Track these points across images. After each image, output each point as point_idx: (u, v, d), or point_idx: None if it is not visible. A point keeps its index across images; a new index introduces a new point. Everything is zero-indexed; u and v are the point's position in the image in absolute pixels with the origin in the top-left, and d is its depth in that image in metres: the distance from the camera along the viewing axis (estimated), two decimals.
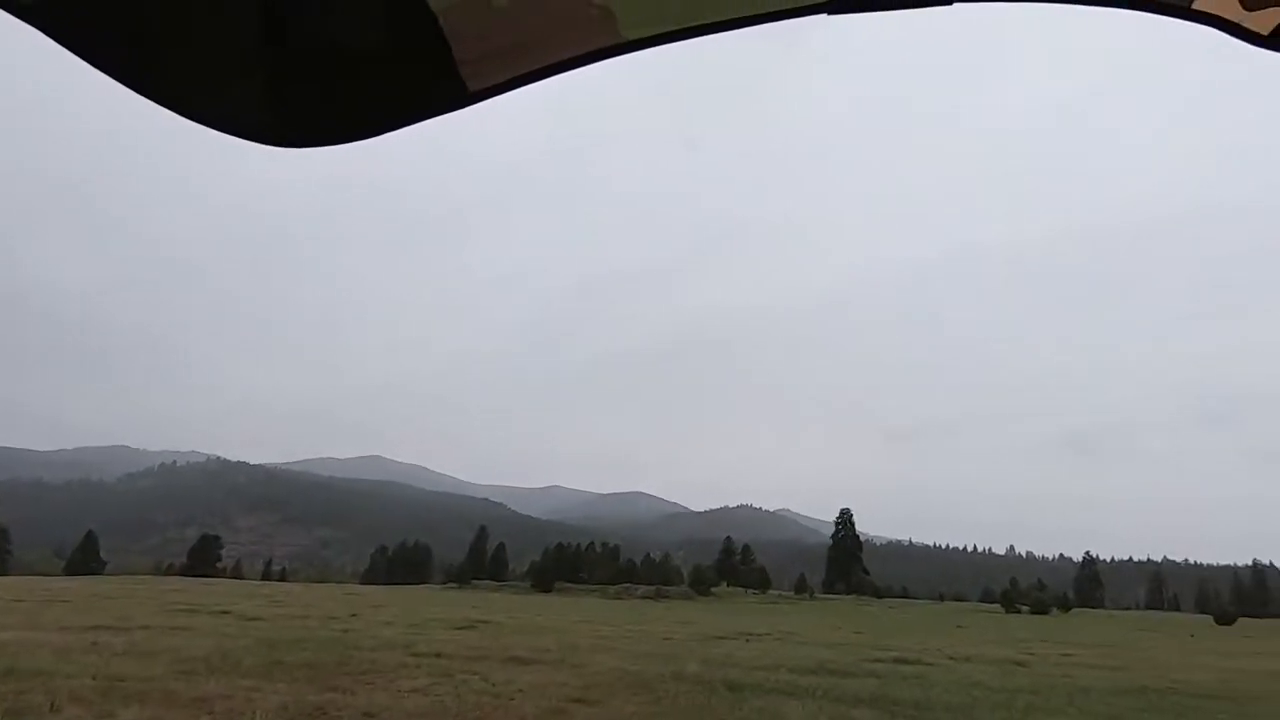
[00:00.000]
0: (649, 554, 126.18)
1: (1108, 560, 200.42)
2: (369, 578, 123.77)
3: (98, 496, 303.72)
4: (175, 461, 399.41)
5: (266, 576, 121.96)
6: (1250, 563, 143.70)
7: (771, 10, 1.04)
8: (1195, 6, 1.03)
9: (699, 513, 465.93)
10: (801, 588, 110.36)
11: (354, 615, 28.03)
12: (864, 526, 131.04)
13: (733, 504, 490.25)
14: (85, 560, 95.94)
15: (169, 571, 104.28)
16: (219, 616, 24.25)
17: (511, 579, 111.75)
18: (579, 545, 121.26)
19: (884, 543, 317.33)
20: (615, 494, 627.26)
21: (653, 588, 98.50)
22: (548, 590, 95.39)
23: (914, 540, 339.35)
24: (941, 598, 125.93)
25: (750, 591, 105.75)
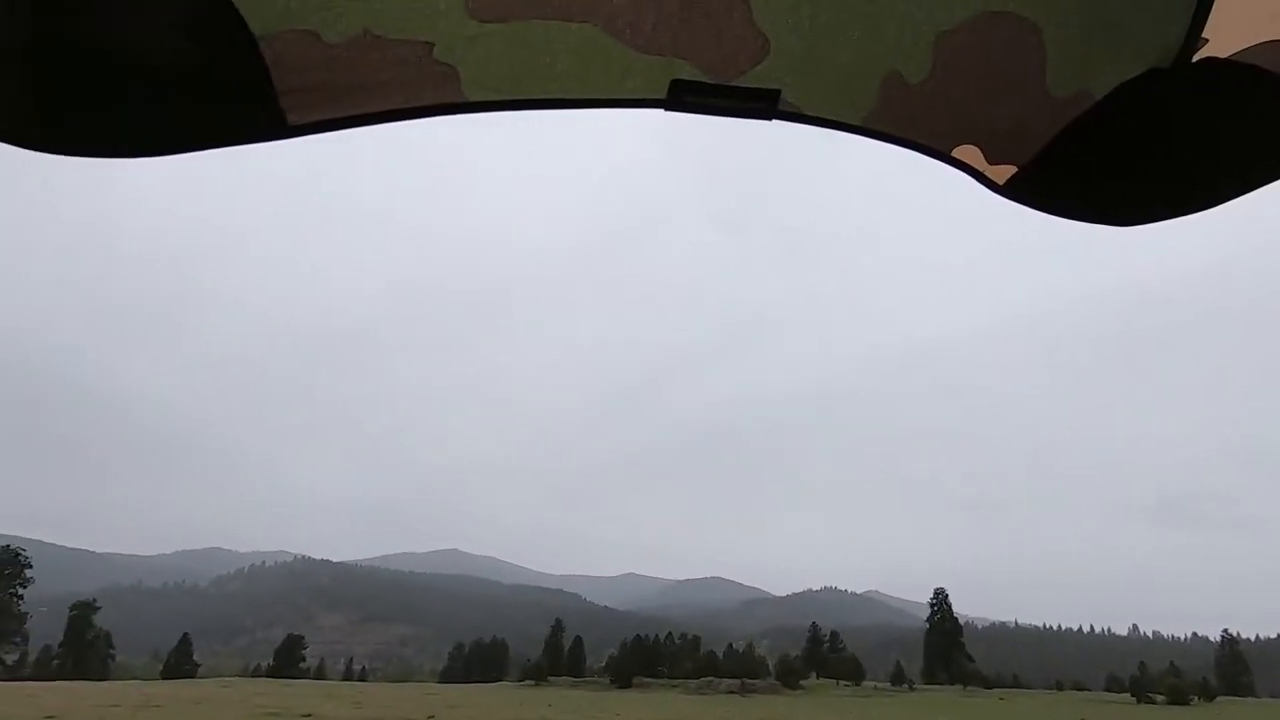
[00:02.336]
0: (731, 644, 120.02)
1: (1251, 639, 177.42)
2: (448, 676, 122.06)
3: (192, 599, 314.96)
4: (264, 562, 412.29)
5: (348, 676, 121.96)
6: None
7: (611, 98, 1.09)
8: (953, 154, 1.21)
9: (780, 597, 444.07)
10: (899, 678, 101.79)
11: (431, 717, 27.43)
12: (961, 607, 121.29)
13: (816, 587, 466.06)
14: (180, 663, 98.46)
15: (256, 673, 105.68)
16: None
17: (589, 674, 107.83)
18: (657, 636, 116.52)
19: (986, 625, 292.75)
20: (691, 580, 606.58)
21: (737, 681, 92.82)
22: (626, 686, 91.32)
23: (1020, 621, 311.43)
24: (1060, 686, 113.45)
25: (842, 683, 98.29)
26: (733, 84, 1.07)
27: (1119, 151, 1.15)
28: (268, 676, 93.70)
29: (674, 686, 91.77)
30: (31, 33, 0.87)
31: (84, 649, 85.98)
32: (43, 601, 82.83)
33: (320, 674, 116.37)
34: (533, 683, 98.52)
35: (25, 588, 76.79)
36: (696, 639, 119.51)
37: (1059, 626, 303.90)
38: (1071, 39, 1.03)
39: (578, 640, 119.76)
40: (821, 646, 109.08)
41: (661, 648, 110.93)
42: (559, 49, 1.02)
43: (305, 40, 0.94)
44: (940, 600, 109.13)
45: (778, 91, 1.09)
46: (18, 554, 76.76)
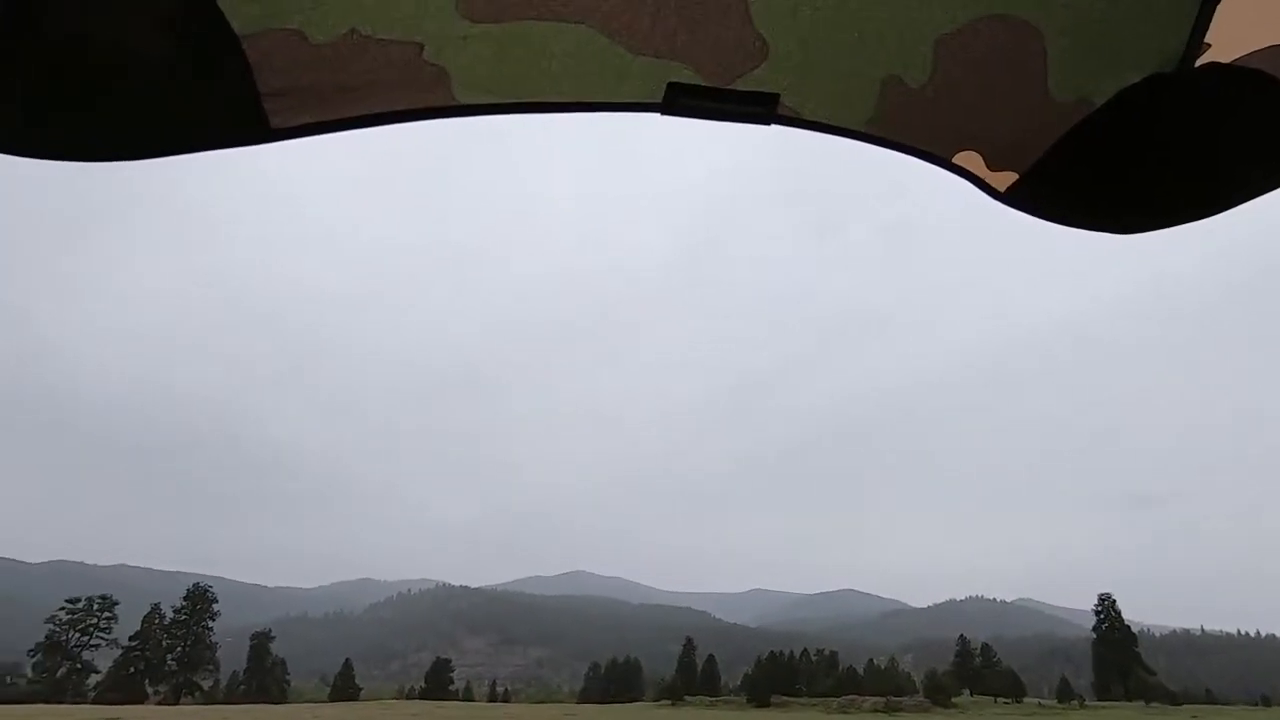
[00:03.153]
0: (871, 659, 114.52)
1: None
2: (585, 696, 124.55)
3: (349, 627, 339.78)
4: (409, 590, 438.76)
5: (492, 698, 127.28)
6: None
7: (606, 101, 1.07)
8: (954, 160, 1.20)
9: (921, 609, 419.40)
10: (1067, 693, 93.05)
11: None
12: (1132, 614, 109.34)
13: (960, 596, 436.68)
14: (344, 687, 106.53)
15: (410, 695, 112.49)
16: None
17: (724, 693, 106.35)
18: (791, 653, 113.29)
19: (1165, 633, 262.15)
20: (823, 593, 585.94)
21: (882, 699, 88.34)
22: (765, 705, 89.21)
23: (1206, 628, 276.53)
24: (1266, 702, 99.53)
25: (1000, 700, 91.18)
26: (730, 87, 1.06)
27: (1121, 158, 1.14)
28: (420, 699, 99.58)
29: (814, 705, 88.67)
30: (5, 34, 0.84)
31: (264, 675, 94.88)
32: (227, 633, 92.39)
33: (468, 695, 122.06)
34: (669, 702, 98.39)
35: (214, 620, 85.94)
36: (833, 654, 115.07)
37: (1257, 633, 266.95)
38: (1073, 44, 1.02)
39: (710, 658, 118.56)
40: (972, 660, 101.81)
41: (797, 665, 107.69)
42: (554, 50, 0.99)
43: (290, 40, 0.91)
44: (1107, 606, 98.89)
45: (776, 96, 1.07)
46: (206, 591, 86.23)
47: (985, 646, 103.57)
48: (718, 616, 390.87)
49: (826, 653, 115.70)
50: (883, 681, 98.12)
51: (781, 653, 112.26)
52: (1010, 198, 1.22)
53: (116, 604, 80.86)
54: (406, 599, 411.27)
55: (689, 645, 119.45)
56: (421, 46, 0.95)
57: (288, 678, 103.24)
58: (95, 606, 79.44)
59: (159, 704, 78.34)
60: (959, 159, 1.19)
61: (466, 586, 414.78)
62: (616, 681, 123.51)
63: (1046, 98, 1.07)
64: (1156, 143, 1.11)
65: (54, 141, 0.93)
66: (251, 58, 0.91)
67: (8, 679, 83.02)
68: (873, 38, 1.00)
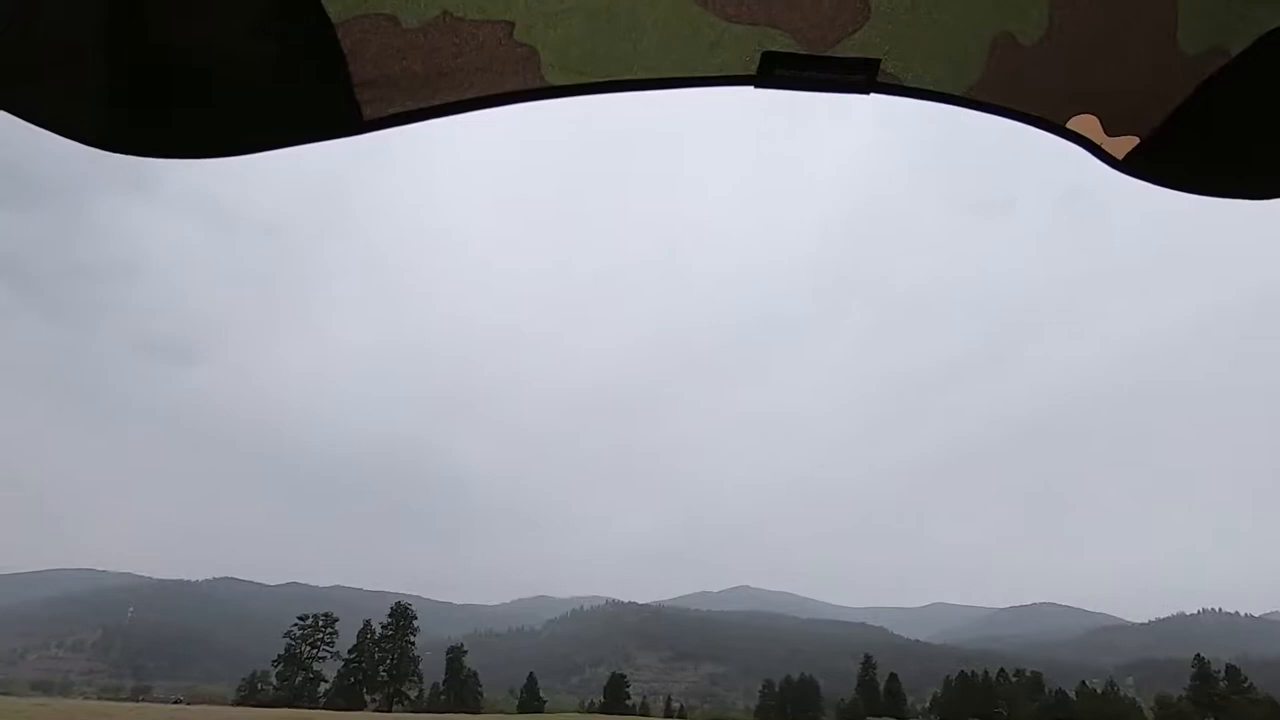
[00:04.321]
0: (1083, 682, 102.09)
1: None
2: (762, 715, 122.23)
3: (530, 642, 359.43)
4: (583, 606, 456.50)
5: (668, 713, 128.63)
6: None
7: (699, 75, 1.04)
8: (1068, 125, 1.12)
9: (1141, 624, 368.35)
10: None
11: None
12: None
13: (1190, 609, 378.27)
14: (530, 699, 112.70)
15: (590, 708, 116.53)
16: None
17: (911, 715, 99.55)
18: (986, 673, 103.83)
19: None
20: (1015, 608, 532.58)
21: None
22: None
23: None
24: None
25: None
26: (829, 54, 1.01)
27: (1260, 114, 1.05)
28: (600, 712, 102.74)
29: None
30: (105, 28, 0.84)
31: (460, 686, 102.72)
32: (425, 647, 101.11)
33: (644, 710, 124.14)
34: None
35: (415, 636, 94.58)
36: (1036, 675, 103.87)
37: None
38: None
39: (893, 678, 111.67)
40: (1215, 684, 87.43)
41: (994, 686, 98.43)
42: (645, 23, 0.96)
43: (383, 25, 0.90)
44: None
45: (877, 61, 1.02)
46: (407, 608, 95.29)
47: (1231, 668, 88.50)
48: (895, 633, 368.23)
49: (1028, 673, 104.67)
50: (1102, 707, 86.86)
51: (973, 673, 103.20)
52: (1130, 165, 1.13)
53: (336, 620, 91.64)
54: (581, 615, 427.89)
55: (868, 663, 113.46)
56: (512, 26, 0.94)
57: (480, 689, 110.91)
58: (321, 623, 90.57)
59: (375, 710, 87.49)
60: (1074, 123, 1.11)
61: (636, 603, 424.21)
62: (793, 700, 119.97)
63: (1175, 50, 0.98)
64: None
65: (155, 139, 0.94)
66: (346, 46, 0.91)
67: (259, 686, 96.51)
68: None
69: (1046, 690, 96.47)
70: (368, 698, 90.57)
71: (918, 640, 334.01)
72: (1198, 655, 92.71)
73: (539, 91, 1.03)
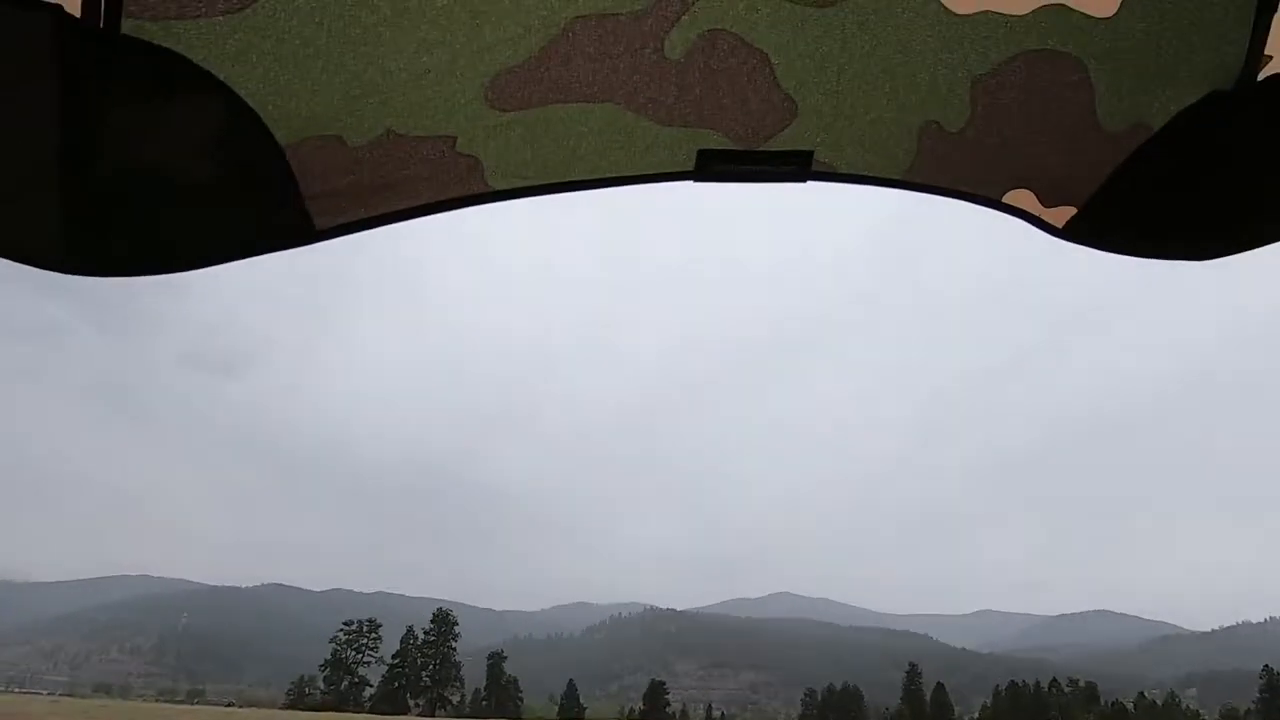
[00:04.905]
0: (1142, 693, 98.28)
1: None
2: None
3: (569, 648, 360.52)
4: (620, 613, 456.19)
5: None
6: None
7: (637, 174, 1.08)
8: (1004, 200, 1.16)
9: (1202, 633, 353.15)
10: None
11: None
12: None
13: (1256, 618, 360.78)
14: (570, 706, 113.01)
15: (630, 716, 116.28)
16: None
17: None
18: (1038, 683, 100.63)
19: None
20: (1066, 615, 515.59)
21: None
22: None
23: None
24: None
25: None
26: (762, 149, 1.05)
27: (1185, 182, 1.10)
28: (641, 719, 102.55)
29: None
30: (60, 152, 0.87)
31: (501, 693, 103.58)
32: (466, 653, 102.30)
33: (683, 718, 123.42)
34: None
35: (456, 642, 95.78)
36: (1091, 685, 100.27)
37: None
38: (1121, 69, 0.98)
39: (939, 687, 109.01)
40: None
41: (1047, 697, 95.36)
42: (581, 131, 1.01)
43: (330, 145, 0.95)
44: None
45: (810, 153, 1.06)
46: (448, 615, 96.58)
47: None
48: (941, 640, 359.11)
49: (1082, 683, 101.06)
50: (1163, 719, 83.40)
51: (1024, 682, 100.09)
52: (1070, 233, 1.17)
53: (380, 626, 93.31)
54: (619, 622, 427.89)
55: (913, 671, 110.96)
56: (454, 140, 0.98)
57: (520, 695, 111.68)
58: (365, 628, 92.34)
59: (419, 715, 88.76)
60: (1010, 198, 1.16)
61: (674, 609, 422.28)
62: (836, 709, 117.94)
63: (1097, 129, 1.03)
64: (1223, 162, 1.07)
65: (114, 258, 0.97)
66: (295, 165, 0.95)
67: (306, 690, 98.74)
68: (905, 86, 0.99)
69: (1102, 701, 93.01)
70: (411, 703, 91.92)
71: (964, 648, 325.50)
72: (1266, 666, 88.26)
73: (484, 196, 1.07)
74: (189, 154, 0.92)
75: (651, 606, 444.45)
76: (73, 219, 0.93)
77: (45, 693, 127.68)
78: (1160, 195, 1.11)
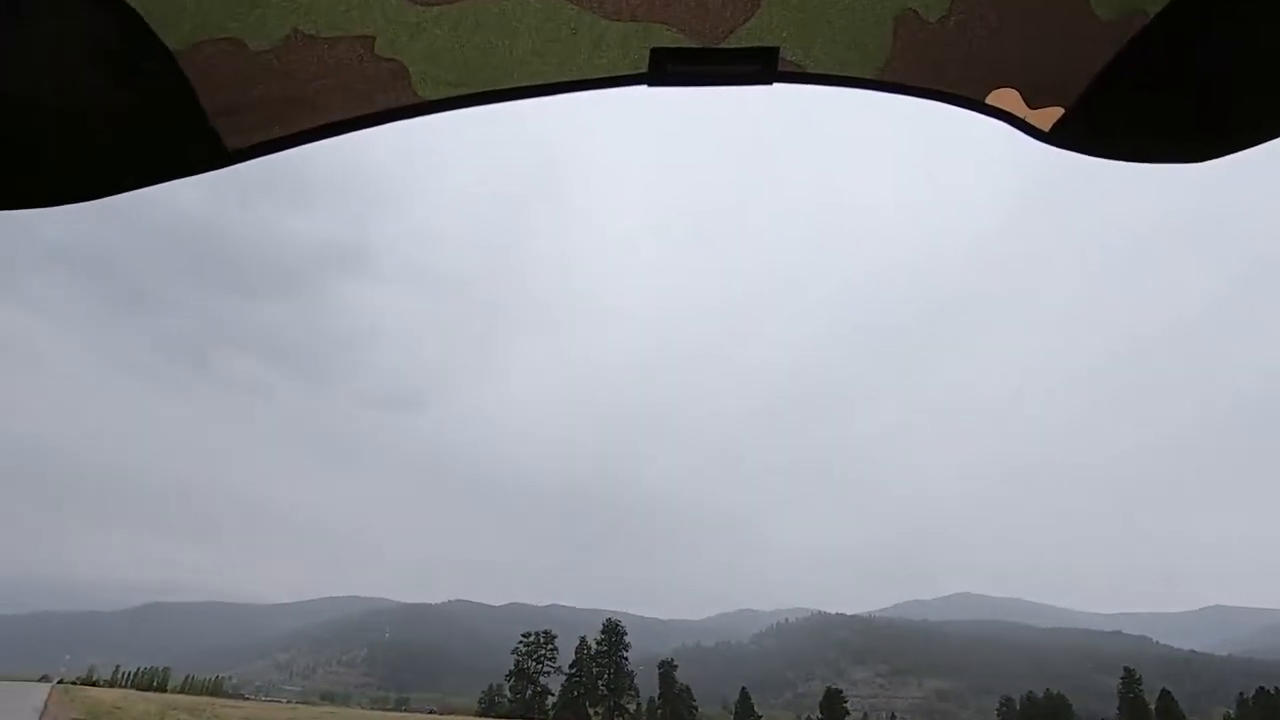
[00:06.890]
0: None
1: None
2: None
3: (738, 656, 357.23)
4: (787, 619, 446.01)
5: None
6: None
7: (586, 78, 1.00)
8: (988, 101, 1.10)
9: None
10: None
11: None
12: None
13: None
14: (745, 715, 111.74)
15: None
16: None
17: None
18: None
19: None
20: None
21: None
22: None
23: None
24: None
25: None
26: (722, 45, 0.96)
27: (1185, 74, 1.00)
28: None
29: None
30: None
31: (675, 701, 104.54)
32: (636, 662, 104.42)
33: None
34: None
35: (627, 651, 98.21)
36: None
37: None
38: None
39: (1165, 694, 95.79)
40: None
41: None
42: (518, 28, 0.91)
43: (228, 50, 0.86)
44: None
45: (775, 50, 0.97)
46: (618, 625, 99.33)
47: None
48: (1161, 642, 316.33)
49: None
50: None
51: (1276, 689, 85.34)
52: (1057, 136, 1.10)
53: (555, 637, 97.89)
54: (786, 628, 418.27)
55: (1130, 676, 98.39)
56: (372, 41, 0.89)
57: (694, 704, 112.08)
58: (541, 640, 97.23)
59: None
60: (993, 98, 1.09)
61: (844, 614, 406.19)
62: (1038, 719, 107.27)
63: (1089, 14, 0.95)
64: (1226, 52, 0.97)
65: (24, 192, 0.91)
66: (191, 75, 0.87)
67: (495, 699, 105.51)
68: None
69: None
70: (590, 711, 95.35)
71: (1193, 650, 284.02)
72: None
73: (412, 108, 0.99)
74: (66, 70, 0.83)
75: (820, 611, 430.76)
76: None
77: (284, 700, 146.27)
78: (1154, 91, 1.03)
